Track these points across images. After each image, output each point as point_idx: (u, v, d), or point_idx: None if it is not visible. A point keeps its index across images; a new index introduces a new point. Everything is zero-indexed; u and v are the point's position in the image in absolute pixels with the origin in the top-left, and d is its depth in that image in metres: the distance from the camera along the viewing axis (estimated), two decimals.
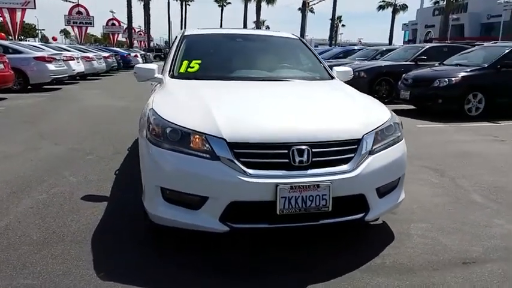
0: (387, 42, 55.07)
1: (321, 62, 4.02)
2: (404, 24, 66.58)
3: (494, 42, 11.53)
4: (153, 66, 3.67)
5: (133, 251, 2.65)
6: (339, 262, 2.52)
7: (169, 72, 3.58)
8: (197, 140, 2.42)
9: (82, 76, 16.86)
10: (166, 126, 2.52)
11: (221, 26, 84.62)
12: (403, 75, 9.02)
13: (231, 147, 2.36)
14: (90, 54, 18.10)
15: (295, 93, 3.23)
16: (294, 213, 2.35)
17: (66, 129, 6.71)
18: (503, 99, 7.94)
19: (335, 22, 68.32)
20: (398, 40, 62.84)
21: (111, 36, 48.18)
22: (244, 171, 2.32)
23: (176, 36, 5.02)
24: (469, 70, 7.98)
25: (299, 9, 69.14)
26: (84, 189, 3.77)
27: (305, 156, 2.37)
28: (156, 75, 3.64)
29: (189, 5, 75.01)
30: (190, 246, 2.70)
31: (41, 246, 2.68)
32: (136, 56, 29.35)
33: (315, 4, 40.78)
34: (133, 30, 51.20)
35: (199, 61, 3.69)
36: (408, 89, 8.53)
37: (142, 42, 66.84)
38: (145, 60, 34.64)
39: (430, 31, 58.47)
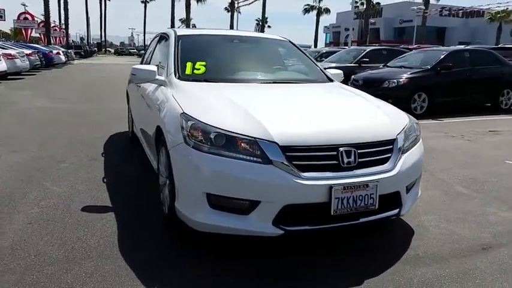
0: (312, 44, 57.42)
1: (316, 64, 4.14)
2: (326, 26, 69.93)
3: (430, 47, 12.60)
4: (153, 67, 3.52)
5: (176, 263, 2.53)
6: (377, 258, 2.64)
7: (175, 74, 3.44)
8: (246, 144, 2.39)
9: (1, 76, 15.26)
10: (210, 131, 2.44)
11: (145, 23, 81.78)
12: (352, 76, 9.54)
13: (283, 151, 2.36)
14: (12, 52, 16.47)
15: (317, 96, 3.30)
16: (345, 213, 2.42)
17: (15, 134, 6.08)
18: (443, 99, 8.73)
19: (262, 23, 69.76)
20: (321, 42, 65.74)
21: (24, 32, 44.20)
22: (298, 174, 2.34)
23: (156, 36, 4.84)
24: (414, 72, 8.68)
25: (225, 8, 69.62)
26: (78, 200, 3.49)
27: (352, 157, 2.46)
28: (158, 77, 3.49)
29: (109, 0, 71.25)
30: (229, 253, 2.65)
31: (67, 265, 2.45)
32: (58, 53, 27.27)
33: (244, 5, 41.08)
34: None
35: (203, 63, 3.60)
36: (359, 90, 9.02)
37: (58, 39, 62.21)
38: (68, 58, 32.38)
39: (349, 34, 62.07)
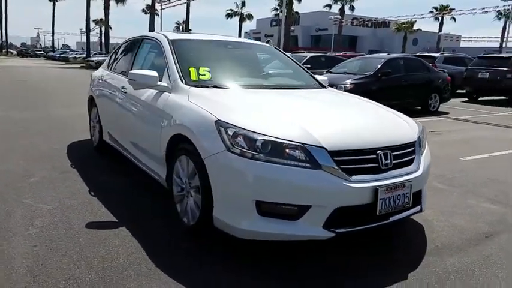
0: None
1: (305, 70, 4.27)
2: (246, 32, 71.20)
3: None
4: (154, 73, 3.37)
5: (220, 271, 2.46)
6: (406, 254, 2.81)
7: (181, 80, 3.31)
8: (293, 150, 2.41)
9: None
10: (256, 138, 2.42)
11: (53, 23, 75.56)
12: None
13: (331, 156, 2.43)
14: None
15: (337, 102, 3.43)
16: (387, 212, 2.56)
17: None
18: (384, 102, 9.38)
19: (181, 26, 68.73)
20: None
21: None
22: (347, 177, 2.42)
23: (133, 40, 4.61)
24: (357, 78, 9.25)
25: (143, 10, 67.39)
26: (76, 217, 3.21)
27: (388, 159, 2.60)
28: (159, 82, 3.35)
29: None
30: (263, 257, 2.64)
31: (108, 285, 2.26)
32: None
33: (167, 7, 40.14)
34: None
35: (207, 68, 3.52)
36: None
37: None
38: None
39: (269, 40, 63.99)
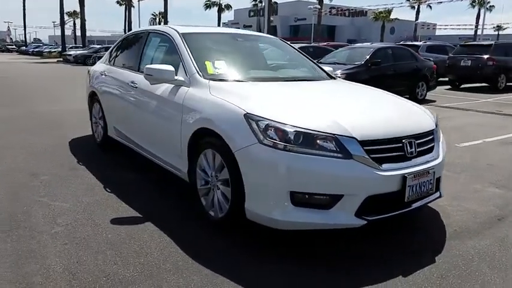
0: None
1: (313, 62, 4.32)
2: (224, 23, 70.68)
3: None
4: (170, 67, 3.35)
5: (254, 260, 2.52)
6: (428, 238, 2.93)
7: (198, 74, 3.31)
8: (325, 141, 2.48)
9: None
10: (288, 130, 2.48)
11: (24, 16, 73.13)
12: None
13: (362, 145, 2.50)
14: None
15: (356, 92, 3.51)
16: (413, 199, 2.66)
17: None
18: None
19: (158, 17, 67.61)
20: None
21: None
22: (377, 166, 2.50)
23: (137, 34, 4.57)
24: (349, 68, 9.36)
25: (117, 2, 65.97)
26: (98, 213, 3.21)
27: (413, 147, 2.70)
28: (176, 77, 3.35)
29: None
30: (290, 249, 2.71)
31: (152, 281, 2.30)
32: None
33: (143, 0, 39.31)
34: None
35: (221, 62, 3.54)
36: None
37: None
38: None
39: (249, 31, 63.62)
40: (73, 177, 4.07)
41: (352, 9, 60.48)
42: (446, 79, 14.44)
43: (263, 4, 50.17)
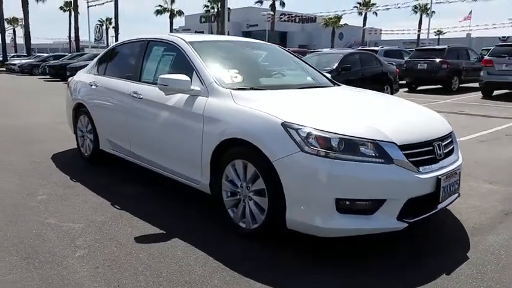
0: None
1: (315, 69, 4.39)
2: (175, 29, 69.88)
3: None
4: (185, 77, 3.27)
5: (299, 267, 2.50)
6: (449, 237, 3.05)
7: (216, 83, 3.24)
8: (366, 147, 2.52)
9: None
10: (331, 137, 2.50)
11: None
12: None
13: (401, 150, 2.57)
14: None
15: (371, 98, 3.59)
16: (445, 198, 2.76)
17: None
18: None
19: (105, 24, 65.44)
20: None
21: None
22: (416, 169, 2.58)
23: (137, 42, 4.40)
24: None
25: (60, 8, 63.35)
26: (118, 232, 3.05)
27: (441, 150, 2.81)
28: (192, 87, 3.27)
29: None
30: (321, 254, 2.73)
31: None
32: None
33: (96, 5, 38.00)
34: None
35: (236, 70, 3.50)
36: None
37: None
38: None
39: None
40: (73, 196, 3.84)
41: (303, 16, 61.97)
42: (404, 82, 15.15)
43: (215, 10, 50.32)
